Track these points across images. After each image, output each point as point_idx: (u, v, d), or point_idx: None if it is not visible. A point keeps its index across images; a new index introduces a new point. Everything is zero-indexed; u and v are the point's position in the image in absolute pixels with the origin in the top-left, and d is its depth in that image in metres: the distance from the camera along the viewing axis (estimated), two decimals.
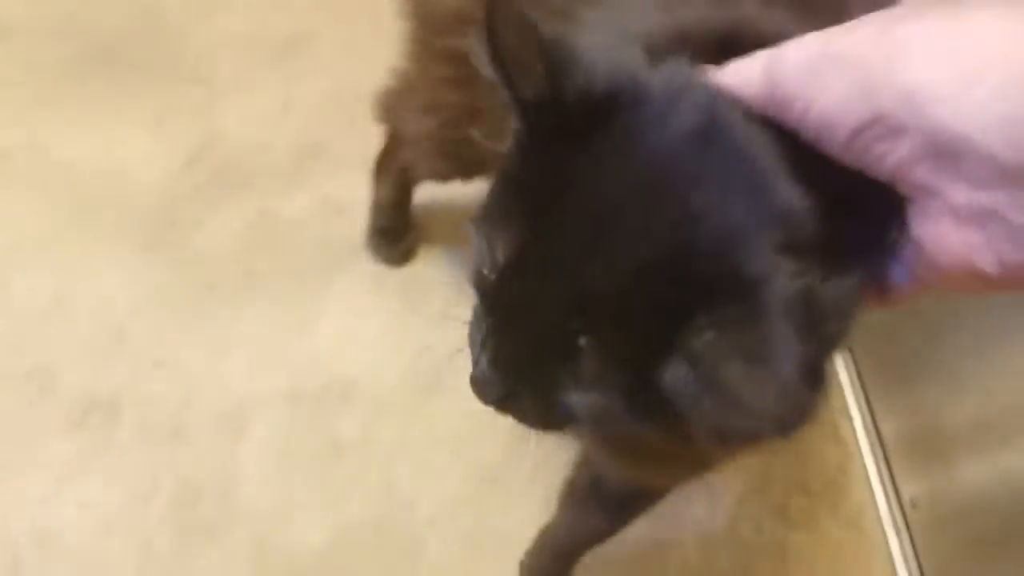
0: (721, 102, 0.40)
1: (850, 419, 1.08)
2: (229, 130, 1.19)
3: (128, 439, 0.96)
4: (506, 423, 0.47)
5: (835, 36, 0.36)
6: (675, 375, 0.38)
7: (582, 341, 0.41)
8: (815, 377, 0.38)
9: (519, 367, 0.45)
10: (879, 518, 1.02)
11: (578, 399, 0.43)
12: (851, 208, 0.39)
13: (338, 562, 0.91)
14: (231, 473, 0.94)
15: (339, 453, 0.97)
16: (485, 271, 0.45)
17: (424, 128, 0.89)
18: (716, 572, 0.97)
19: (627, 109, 0.40)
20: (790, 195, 0.38)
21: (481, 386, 0.46)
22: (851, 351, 1.12)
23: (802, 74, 0.37)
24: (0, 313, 1.02)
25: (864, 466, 1.06)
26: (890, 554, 1.00)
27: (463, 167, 0.89)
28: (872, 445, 1.08)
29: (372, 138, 1.02)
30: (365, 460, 0.97)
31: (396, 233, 1.12)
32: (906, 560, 1.02)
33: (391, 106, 0.97)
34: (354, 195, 1.12)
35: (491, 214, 0.46)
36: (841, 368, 1.10)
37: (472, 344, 0.48)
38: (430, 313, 1.06)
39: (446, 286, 1.09)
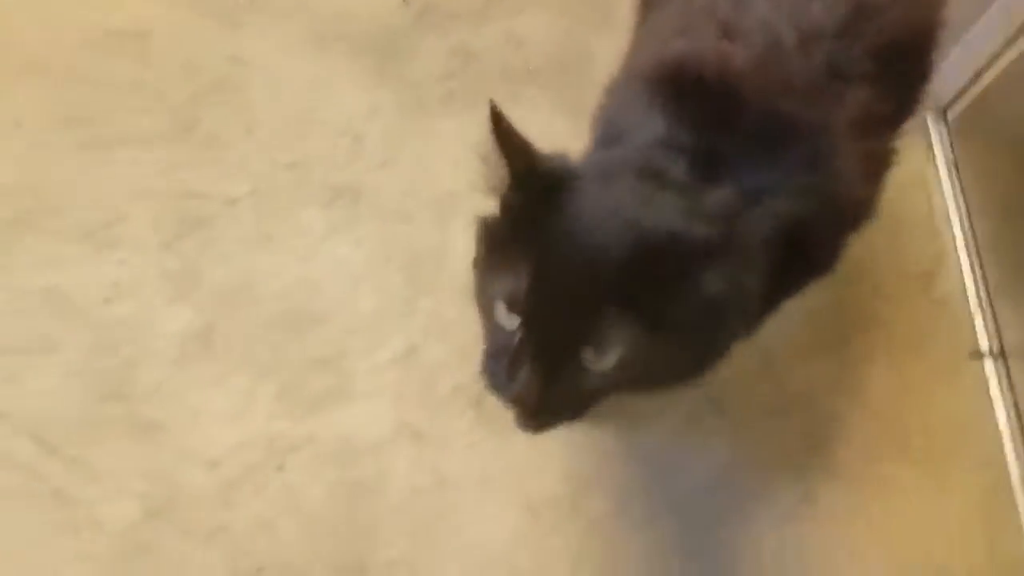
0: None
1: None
2: None
3: (367, 217, 1.29)
4: None
5: None
6: (679, 309, 0.59)
7: (606, 310, 0.58)
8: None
9: (552, 363, 0.60)
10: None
11: (607, 360, 0.60)
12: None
13: None
14: (445, 246, 1.26)
15: None
16: (508, 295, 0.62)
17: None
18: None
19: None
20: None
21: (522, 397, 0.62)
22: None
23: None
24: (269, 115, 1.34)
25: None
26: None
27: None
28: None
29: None
30: None
31: None
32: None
33: None
34: (533, 30, 1.37)
35: (494, 259, 0.66)
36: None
37: (495, 376, 0.65)
38: None
39: None
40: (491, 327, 0.66)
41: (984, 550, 1.10)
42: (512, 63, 1.39)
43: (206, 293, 1.20)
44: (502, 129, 0.62)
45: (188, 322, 1.19)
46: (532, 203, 0.63)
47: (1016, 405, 1.17)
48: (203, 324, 1.19)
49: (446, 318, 1.20)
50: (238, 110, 1.32)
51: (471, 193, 1.23)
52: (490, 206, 0.71)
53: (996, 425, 1.18)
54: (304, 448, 1.13)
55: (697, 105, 0.70)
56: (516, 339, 0.62)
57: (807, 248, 0.69)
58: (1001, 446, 1.17)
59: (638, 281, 0.59)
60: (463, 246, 1.26)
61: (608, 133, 0.78)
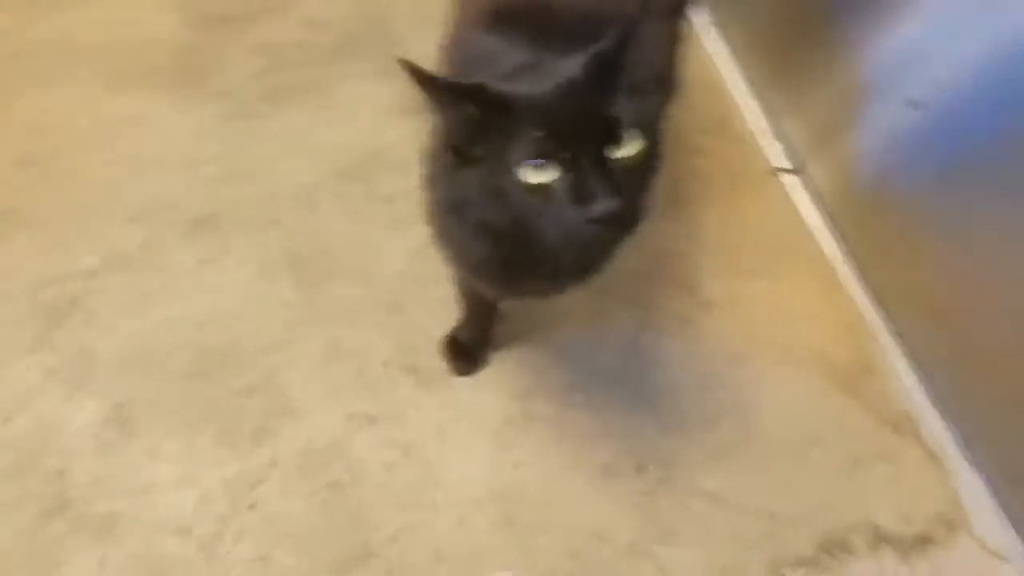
0: None
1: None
2: None
3: (234, 235, 1.25)
4: None
5: None
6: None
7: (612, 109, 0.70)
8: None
9: (602, 167, 0.70)
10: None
11: (631, 145, 0.71)
12: None
13: None
14: (321, 234, 1.27)
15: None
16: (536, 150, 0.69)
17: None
18: None
19: None
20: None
21: (611, 209, 0.69)
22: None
23: None
24: (94, 171, 1.27)
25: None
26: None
27: None
28: None
29: None
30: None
31: (468, 350, 1.24)
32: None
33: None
34: (326, 10, 1.40)
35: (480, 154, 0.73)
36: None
37: (563, 223, 0.71)
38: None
39: None
40: (508, 209, 0.74)
41: (832, 321, 1.35)
42: (317, 45, 1.41)
43: (101, 374, 1.16)
44: (427, 76, 0.71)
45: (95, 410, 1.14)
46: (493, 104, 0.72)
47: (819, 202, 1.43)
48: (111, 405, 1.15)
49: (351, 302, 1.24)
50: (57, 178, 1.25)
51: (325, 176, 1.33)
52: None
53: (807, 226, 1.42)
54: (269, 477, 1.14)
55: (526, 30, 0.82)
56: (562, 175, 0.71)
57: None
58: (817, 241, 1.42)
59: (608, 83, 0.72)
60: (341, 227, 1.30)
61: (470, 71, 0.86)
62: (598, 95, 0.72)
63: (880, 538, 1.16)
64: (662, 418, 1.22)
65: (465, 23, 0.94)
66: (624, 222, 0.74)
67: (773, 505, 1.17)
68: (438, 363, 1.22)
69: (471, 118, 0.73)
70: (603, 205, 0.69)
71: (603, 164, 0.71)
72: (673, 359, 1.26)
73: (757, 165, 1.38)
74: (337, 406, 1.18)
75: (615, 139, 0.71)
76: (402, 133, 1.36)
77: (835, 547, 1.15)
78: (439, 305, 1.24)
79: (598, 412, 1.21)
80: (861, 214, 1.36)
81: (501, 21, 0.88)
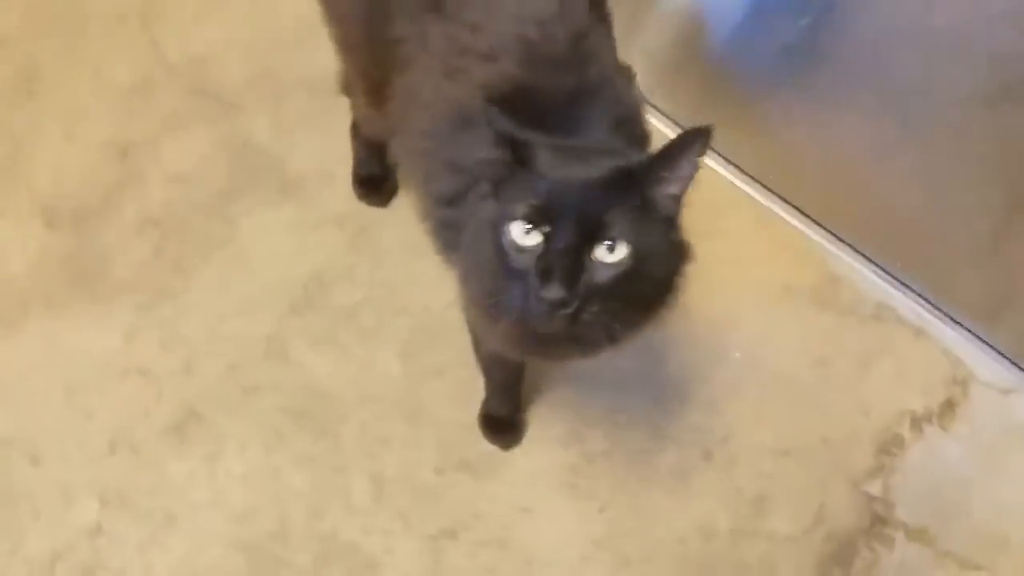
0: None
1: None
2: None
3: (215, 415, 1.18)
4: None
5: None
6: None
7: (611, 212, 0.70)
8: None
9: (577, 260, 0.69)
10: None
11: (618, 253, 0.70)
12: None
13: None
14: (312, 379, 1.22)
15: None
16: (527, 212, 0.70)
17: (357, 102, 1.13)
18: None
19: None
20: None
21: (555, 297, 0.68)
22: None
23: None
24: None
25: None
26: None
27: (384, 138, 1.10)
28: None
29: None
30: None
31: (375, 181, 1.30)
32: None
33: (345, 86, 1.16)
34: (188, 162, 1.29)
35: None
36: None
37: (520, 297, 0.71)
38: None
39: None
40: (497, 265, 0.75)
41: (783, 253, 1.44)
42: (195, 197, 1.30)
43: None
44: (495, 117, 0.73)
45: None
46: (515, 155, 0.74)
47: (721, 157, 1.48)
48: None
49: (370, 429, 1.18)
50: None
51: (280, 321, 1.24)
52: None
53: (723, 178, 1.49)
54: None
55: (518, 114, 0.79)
56: (540, 248, 0.72)
57: None
58: (738, 187, 1.46)
59: (619, 194, 0.73)
60: (323, 362, 1.22)
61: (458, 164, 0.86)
62: (605, 196, 0.72)
63: (918, 421, 1.28)
64: (696, 400, 1.27)
65: (427, 122, 0.91)
66: (575, 327, 0.73)
67: (822, 433, 1.26)
68: (485, 446, 1.20)
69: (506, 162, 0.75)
70: (551, 291, 0.69)
71: (578, 257, 0.71)
72: (674, 341, 1.31)
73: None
74: (413, 534, 1.13)
75: (599, 239, 0.71)
76: (326, 243, 1.30)
77: (890, 446, 1.26)
78: (455, 391, 1.21)
79: (642, 421, 1.24)
80: (754, 145, 1.45)
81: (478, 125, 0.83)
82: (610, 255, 0.72)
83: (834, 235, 1.41)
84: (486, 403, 1.20)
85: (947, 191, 1.27)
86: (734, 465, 1.23)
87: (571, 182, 0.72)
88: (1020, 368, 1.33)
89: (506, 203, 0.74)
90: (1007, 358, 1.33)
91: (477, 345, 1.09)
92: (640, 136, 0.90)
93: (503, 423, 1.20)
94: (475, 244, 0.81)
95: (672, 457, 1.22)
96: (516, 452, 1.20)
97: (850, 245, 1.40)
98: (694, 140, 0.71)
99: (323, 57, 1.39)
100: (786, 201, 1.41)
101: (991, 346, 1.34)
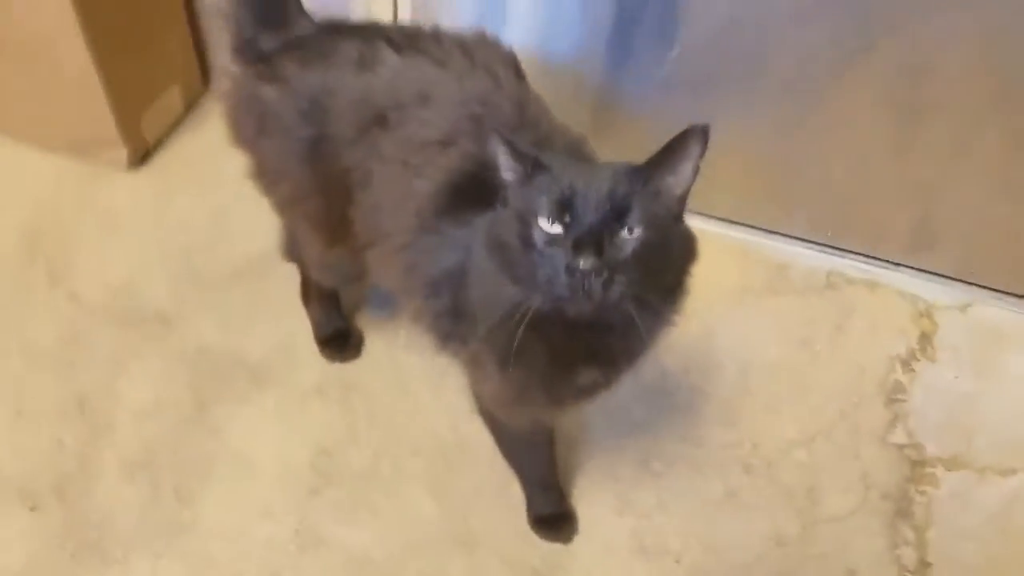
0: None
1: None
2: None
3: None
4: None
5: None
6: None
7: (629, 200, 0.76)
8: None
9: (599, 241, 0.75)
10: None
11: (636, 234, 0.76)
12: None
13: None
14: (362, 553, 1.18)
15: None
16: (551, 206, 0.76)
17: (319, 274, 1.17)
18: None
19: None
20: None
21: (588, 266, 0.73)
22: None
23: None
24: None
25: None
26: None
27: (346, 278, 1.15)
28: None
29: None
30: None
31: (341, 336, 1.31)
32: None
33: (290, 251, 1.20)
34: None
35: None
36: None
37: (551, 282, 0.75)
38: None
39: None
40: (524, 257, 0.79)
41: (729, 256, 1.54)
42: (173, 423, 1.27)
43: None
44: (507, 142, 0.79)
45: None
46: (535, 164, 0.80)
47: None
48: None
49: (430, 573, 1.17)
50: None
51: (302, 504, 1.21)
52: None
53: None
54: None
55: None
56: (564, 235, 0.77)
57: None
58: None
59: (631, 187, 0.78)
60: (364, 529, 1.20)
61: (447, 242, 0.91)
62: (619, 189, 0.78)
63: (907, 361, 1.37)
64: (714, 420, 1.31)
65: (404, 219, 0.94)
66: (603, 303, 0.77)
67: (834, 406, 1.33)
68: (547, 547, 1.19)
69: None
70: (585, 260, 0.74)
71: (601, 237, 0.76)
72: (669, 374, 1.36)
73: None
74: None
75: (618, 224, 0.77)
76: (316, 415, 1.29)
77: (894, 394, 1.34)
78: (497, 505, 1.21)
79: (677, 461, 1.27)
80: None
81: (455, 204, 0.90)
82: (629, 235, 0.77)
83: (764, 229, 1.51)
84: (531, 506, 1.20)
85: (844, 148, 1.37)
86: (773, 467, 1.27)
87: (587, 179, 0.78)
88: (966, 282, 1.45)
89: (529, 202, 0.78)
90: (952, 278, 1.45)
91: (502, 441, 1.10)
92: None
93: (555, 519, 1.20)
94: (494, 252, 0.83)
95: (718, 483, 1.25)
96: (577, 541, 1.20)
97: (781, 233, 1.50)
98: (691, 137, 0.77)
99: (239, 247, 1.43)
100: (709, 216, 1.51)
101: (935, 273, 1.45)
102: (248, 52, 1.01)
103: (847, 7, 1.20)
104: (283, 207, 1.09)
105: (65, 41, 1.36)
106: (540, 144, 0.89)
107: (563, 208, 0.77)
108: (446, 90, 0.93)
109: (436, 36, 0.98)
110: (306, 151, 0.97)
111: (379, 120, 0.93)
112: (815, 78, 1.28)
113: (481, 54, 0.96)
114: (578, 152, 0.94)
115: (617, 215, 0.77)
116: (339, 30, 1.01)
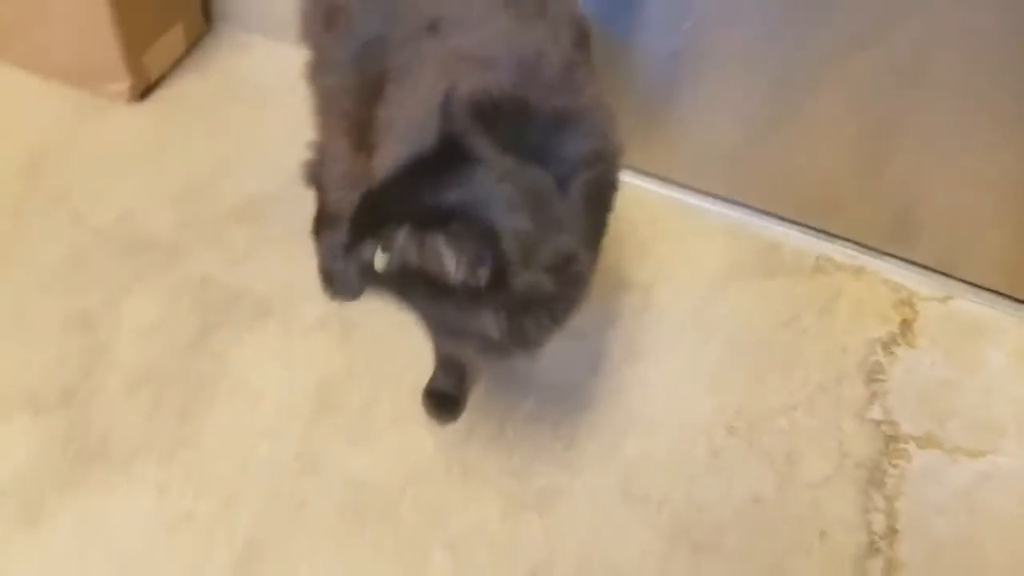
0: None
1: None
2: None
3: None
4: None
5: None
6: None
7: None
8: None
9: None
10: None
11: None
12: None
13: None
14: None
15: None
16: None
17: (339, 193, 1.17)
18: None
19: None
20: None
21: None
22: None
23: None
24: None
25: None
26: None
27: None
28: None
29: None
30: None
31: None
32: None
33: (314, 174, 1.20)
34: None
35: None
36: None
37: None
38: None
39: None
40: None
41: (717, 240, 1.61)
42: (176, 345, 1.32)
43: None
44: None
45: None
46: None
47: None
48: None
49: None
50: None
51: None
52: None
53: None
54: None
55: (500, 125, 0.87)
56: None
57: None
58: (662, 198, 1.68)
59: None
60: None
61: None
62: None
63: (887, 345, 1.46)
64: (702, 386, 1.38)
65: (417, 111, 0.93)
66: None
67: (815, 380, 1.40)
68: (539, 484, 1.25)
69: None
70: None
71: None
72: (657, 344, 1.43)
73: None
74: None
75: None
76: (318, 348, 1.34)
77: (874, 374, 1.42)
78: (492, 443, 1.27)
79: (666, 421, 1.34)
80: (662, 150, 1.60)
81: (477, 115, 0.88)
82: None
83: (757, 209, 1.60)
84: (432, 379, 1.26)
85: (836, 134, 1.44)
86: (755, 431, 1.34)
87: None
88: (946, 275, 1.54)
89: None
90: (934, 270, 1.53)
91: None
92: (610, 182, 0.95)
93: (446, 399, 1.27)
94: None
95: (702, 442, 1.32)
96: (568, 480, 1.26)
97: (774, 214, 1.59)
98: None
99: (241, 187, 1.48)
100: (705, 193, 1.58)
101: (918, 264, 1.54)
102: None
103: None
104: (324, 104, 1.11)
105: None
106: (564, 117, 0.89)
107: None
108: (505, 25, 0.95)
109: None
110: (361, 47, 1.00)
111: (431, 26, 0.95)
112: (814, 64, 1.35)
113: (553, 6, 0.98)
114: (599, 146, 0.92)
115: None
116: None
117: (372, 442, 1.23)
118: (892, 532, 1.25)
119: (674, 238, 1.54)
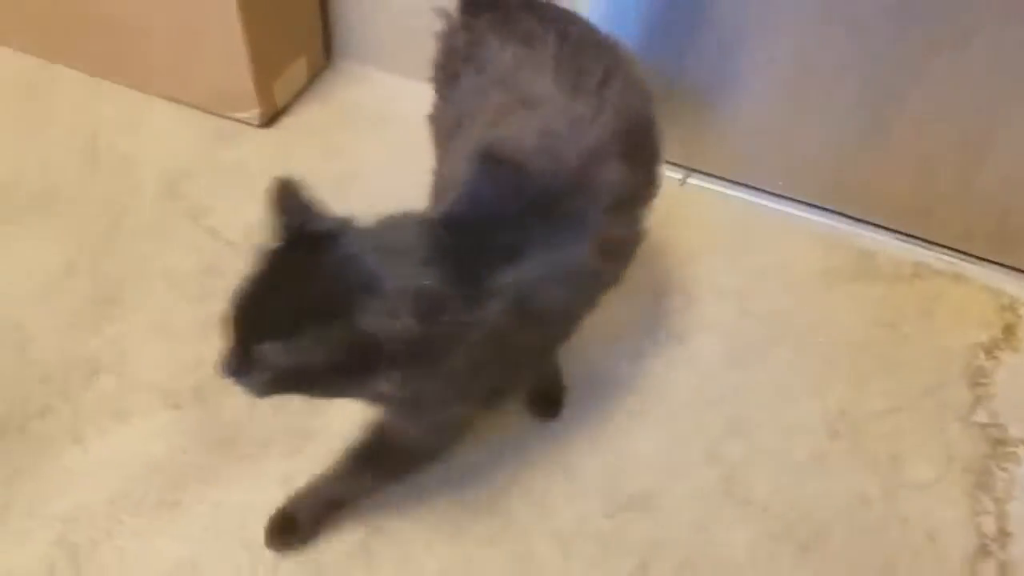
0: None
1: None
2: None
3: None
4: None
5: None
6: None
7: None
8: None
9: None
10: None
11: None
12: None
13: None
14: None
15: None
16: None
17: None
18: None
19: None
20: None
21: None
22: None
23: None
24: None
25: None
26: None
27: None
28: None
29: None
30: None
31: None
32: None
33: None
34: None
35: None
36: None
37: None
38: None
39: None
40: None
41: (812, 238, 1.60)
42: None
43: None
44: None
45: None
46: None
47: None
48: None
49: None
50: None
51: None
52: None
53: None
54: None
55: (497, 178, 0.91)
56: None
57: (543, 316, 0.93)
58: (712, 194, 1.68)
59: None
60: None
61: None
62: None
63: (990, 350, 1.41)
64: (804, 390, 1.36)
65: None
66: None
67: (918, 383, 1.37)
68: (641, 481, 1.26)
69: None
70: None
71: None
72: (760, 349, 1.41)
73: None
74: None
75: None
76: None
77: (977, 378, 1.38)
78: (593, 437, 1.27)
79: (771, 423, 1.32)
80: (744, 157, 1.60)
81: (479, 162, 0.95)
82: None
83: (851, 217, 1.57)
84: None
85: (927, 145, 1.44)
86: (858, 434, 1.31)
87: None
88: None
89: None
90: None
91: None
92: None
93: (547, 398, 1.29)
94: None
95: (805, 445, 1.30)
96: (666, 481, 1.25)
97: (868, 222, 1.56)
98: None
99: (357, 206, 1.52)
100: (795, 200, 1.57)
101: (1019, 270, 1.50)
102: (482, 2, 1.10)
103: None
104: (439, 143, 1.16)
105: (217, 5, 1.50)
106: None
107: None
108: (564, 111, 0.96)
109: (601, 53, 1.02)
110: (473, 90, 1.06)
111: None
112: (906, 68, 1.35)
113: (613, 94, 0.97)
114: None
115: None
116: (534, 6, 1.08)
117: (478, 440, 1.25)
118: (1004, 535, 1.21)
119: (767, 246, 1.54)
